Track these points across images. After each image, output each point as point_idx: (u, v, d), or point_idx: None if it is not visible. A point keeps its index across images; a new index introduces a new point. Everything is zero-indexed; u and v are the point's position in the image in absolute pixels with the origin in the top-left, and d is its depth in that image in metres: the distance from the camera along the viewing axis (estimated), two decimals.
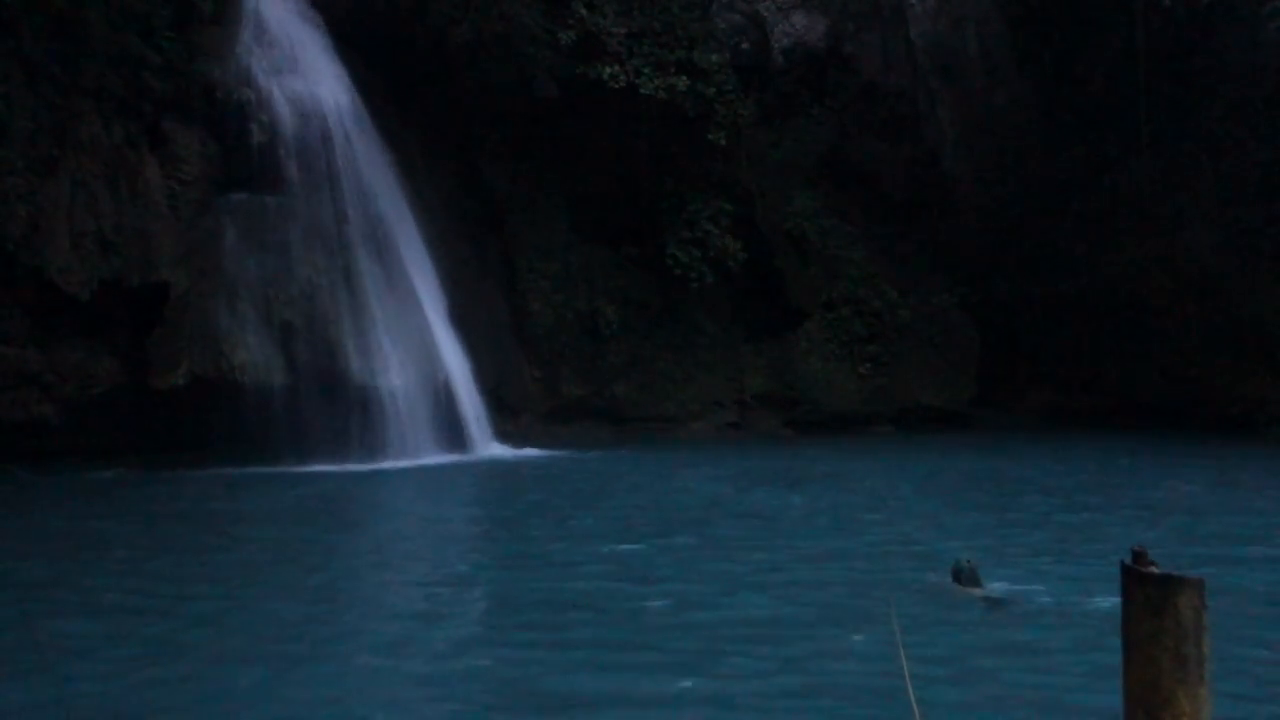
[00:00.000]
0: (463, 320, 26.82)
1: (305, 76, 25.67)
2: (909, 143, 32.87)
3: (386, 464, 23.35)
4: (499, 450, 25.67)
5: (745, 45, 31.13)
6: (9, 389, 21.62)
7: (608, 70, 27.54)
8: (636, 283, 30.27)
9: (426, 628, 9.56)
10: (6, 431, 21.67)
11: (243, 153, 24.45)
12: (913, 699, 4.98)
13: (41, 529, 15.61)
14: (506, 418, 27.45)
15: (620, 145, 29.32)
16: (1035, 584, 10.69)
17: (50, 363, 22.16)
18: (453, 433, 25.29)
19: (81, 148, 22.31)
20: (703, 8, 30.10)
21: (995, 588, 10.20)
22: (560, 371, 29.36)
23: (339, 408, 23.81)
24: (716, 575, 11.42)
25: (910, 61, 32.83)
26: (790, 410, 31.36)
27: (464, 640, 9.17)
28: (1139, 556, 3.68)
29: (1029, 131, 32.42)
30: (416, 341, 25.38)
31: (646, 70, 27.86)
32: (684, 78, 27.98)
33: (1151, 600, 3.57)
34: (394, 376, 24.57)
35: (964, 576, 10.00)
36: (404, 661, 8.41)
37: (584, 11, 27.72)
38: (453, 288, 26.90)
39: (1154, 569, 3.65)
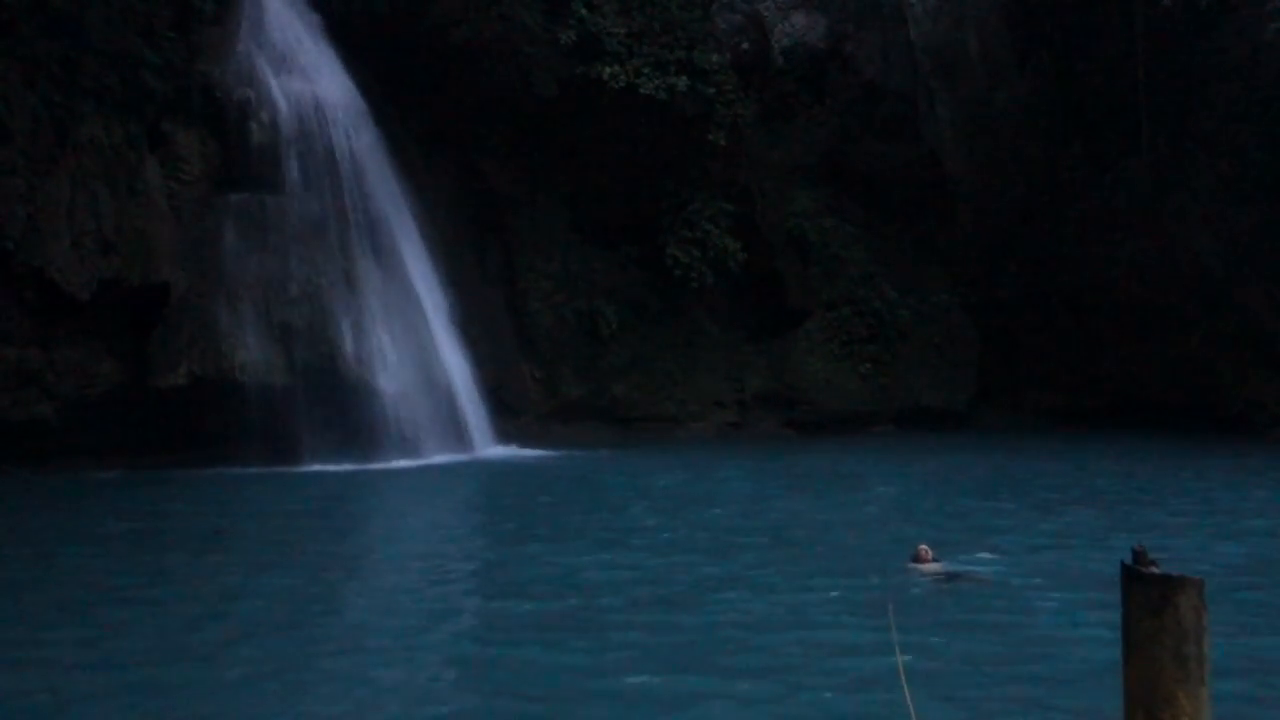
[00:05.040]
0: (463, 320, 26.80)
1: (305, 76, 25.66)
2: (909, 143, 32.87)
3: (386, 464, 23.32)
4: (499, 450, 25.66)
5: (745, 45, 31.13)
6: (9, 389, 21.60)
7: (608, 70, 27.53)
8: (636, 283, 30.26)
9: (421, 631, 9.54)
10: (6, 431, 21.66)
11: (243, 153, 24.44)
12: (908, 698, 4.98)
13: (39, 530, 15.60)
14: (507, 418, 27.42)
15: (620, 145, 29.31)
16: (1033, 576, 10.72)
17: (50, 363, 22.15)
18: (453, 433, 25.27)
19: (81, 148, 22.29)
20: (703, 8, 30.10)
21: (950, 566, 11.15)
22: (560, 371, 29.34)
23: (339, 408, 23.78)
24: (706, 573, 11.42)
25: (910, 61, 32.83)
26: (790, 410, 31.35)
27: (458, 643, 9.15)
28: (1139, 556, 3.68)
29: (1029, 131, 32.41)
30: (416, 341, 25.36)
31: (646, 70, 27.86)
32: (684, 78, 27.98)
33: (1151, 600, 3.57)
34: (394, 376, 24.55)
35: (924, 558, 11.32)
36: (398, 668, 8.40)
37: (584, 11, 27.71)
38: (453, 288, 26.89)
39: (1154, 569, 3.65)
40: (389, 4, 26.91)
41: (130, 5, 22.83)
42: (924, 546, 11.46)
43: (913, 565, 11.24)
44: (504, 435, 26.55)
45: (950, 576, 10.94)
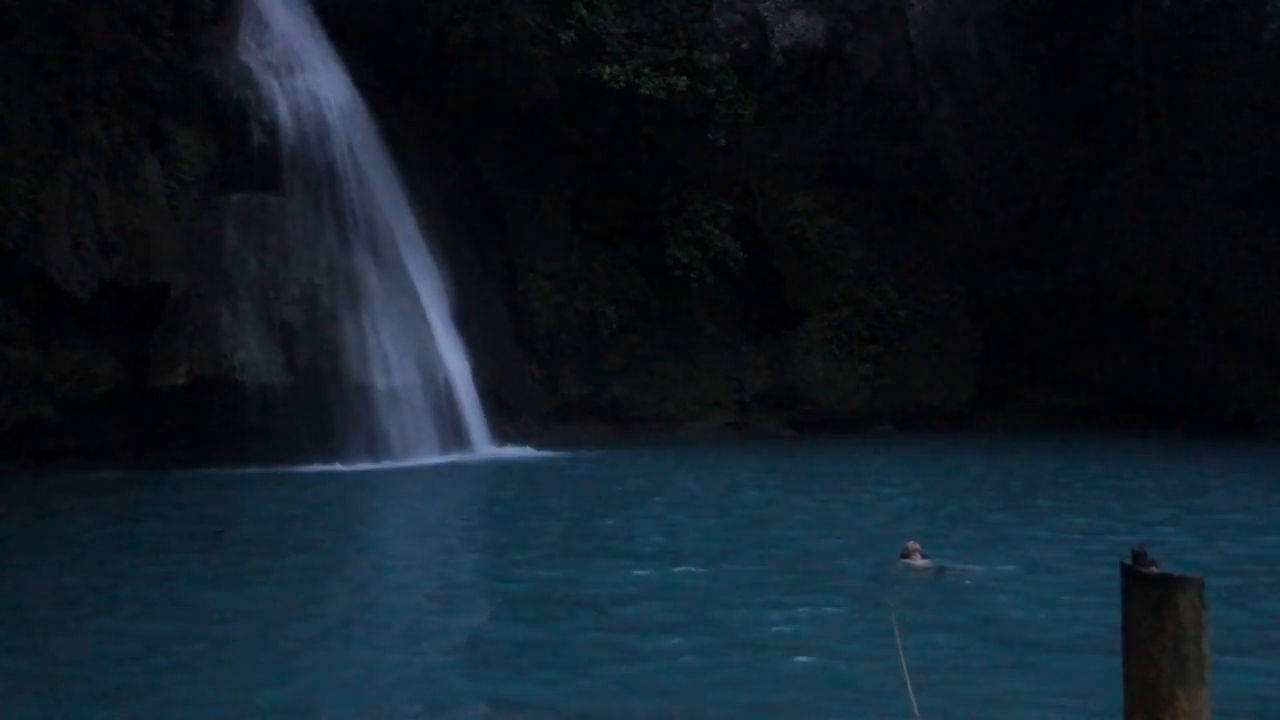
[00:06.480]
0: (463, 320, 26.81)
1: (305, 76, 25.67)
2: (909, 143, 32.83)
3: (386, 464, 23.34)
4: (499, 450, 25.66)
5: (745, 45, 31.10)
6: (9, 389, 21.62)
7: (608, 70, 27.53)
8: (636, 283, 30.27)
9: (414, 642, 9.50)
10: (6, 431, 21.67)
11: (243, 153, 24.45)
12: (911, 697, 4.98)
13: (39, 531, 15.60)
14: (506, 418, 27.44)
15: (620, 145, 29.32)
16: (1031, 574, 10.73)
17: (50, 363, 22.17)
18: (453, 432, 25.28)
19: (81, 148, 22.31)
20: (703, 8, 30.09)
21: (940, 562, 11.25)
22: (560, 371, 29.35)
23: (339, 408, 23.80)
24: (705, 578, 11.42)
25: (910, 61, 32.80)
26: (790, 410, 31.36)
27: (452, 659, 9.10)
28: (1139, 556, 3.68)
29: (1029, 131, 32.38)
30: (416, 341, 25.37)
31: (646, 70, 27.86)
32: (684, 78, 27.98)
33: (1151, 600, 3.57)
34: (394, 376, 24.56)
35: (912, 553, 11.44)
36: (396, 674, 8.36)
37: (584, 11, 27.71)
38: (453, 288, 26.92)
39: (1154, 569, 3.65)
40: (389, 4, 26.92)
41: (130, 5, 22.85)
42: (913, 543, 11.52)
43: (903, 562, 11.30)
44: (504, 435, 26.56)
45: (940, 572, 11.01)
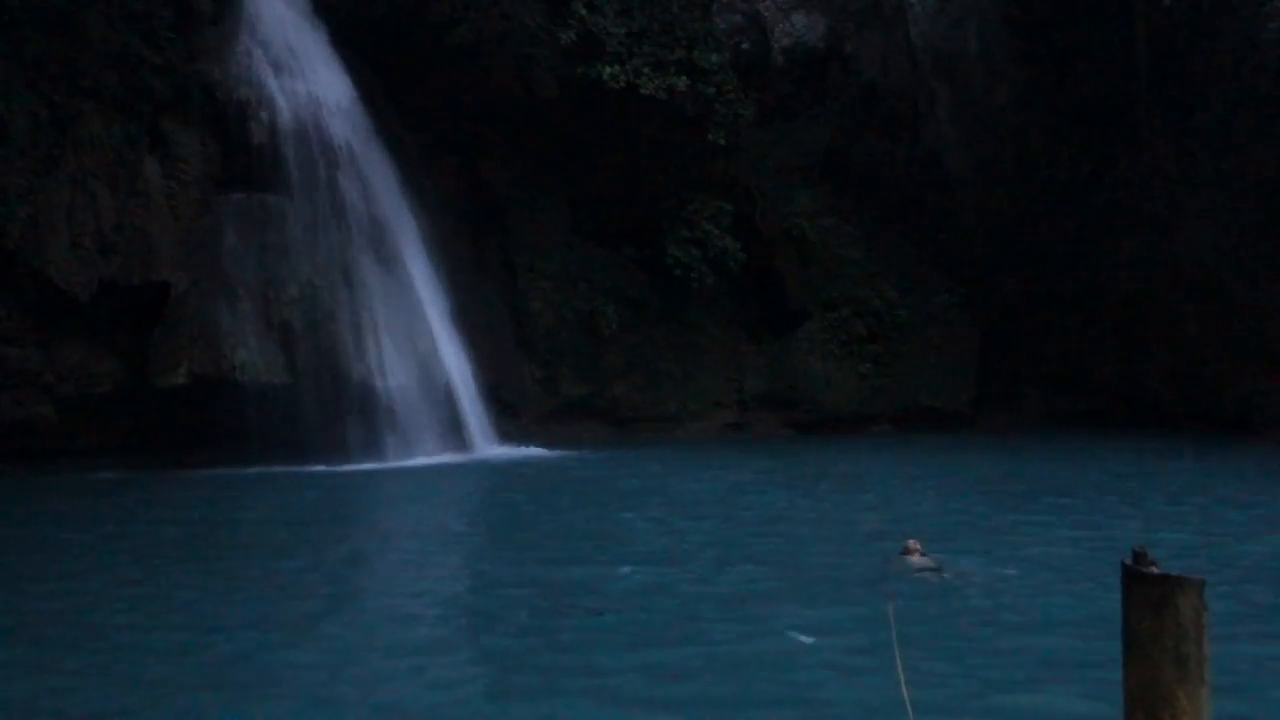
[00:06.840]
0: (463, 320, 26.81)
1: (305, 76, 25.67)
2: (909, 143, 32.87)
3: (386, 464, 23.33)
4: (499, 450, 25.66)
5: (745, 45, 31.15)
6: (9, 389, 21.62)
7: (608, 70, 27.53)
8: (636, 283, 30.28)
9: (424, 643, 9.48)
10: (6, 431, 21.67)
11: (243, 153, 24.44)
12: (906, 698, 4.98)
13: (38, 532, 15.59)
14: (506, 418, 27.44)
15: (620, 145, 29.32)
16: (1030, 573, 10.72)
17: (50, 362, 22.17)
18: (453, 432, 25.29)
19: (81, 148, 22.31)
20: (703, 8, 30.09)
21: (939, 560, 11.24)
22: (560, 371, 29.35)
23: (339, 408, 23.80)
24: (701, 577, 11.41)
25: (910, 61, 32.83)
26: (790, 410, 31.36)
27: (460, 656, 9.07)
28: (1139, 557, 3.68)
29: (1029, 131, 32.40)
30: (416, 341, 25.38)
31: (646, 70, 27.86)
32: (684, 78, 27.98)
33: (1151, 600, 3.57)
34: (394, 376, 24.57)
35: (913, 551, 11.46)
36: (402, 685, 8.34)
37: (584, 11, 27.71)
38: (453, 288, 26.90)
39: (1154, 569, 3.65)
40: (389, 4, 26.92)
41: (130, 5, 22.85)
42: (913, 541, 11.53)
43: (903, 559, 11.31)
44: (504, 435, 26.55)
45: (939, 570, 11.01)
